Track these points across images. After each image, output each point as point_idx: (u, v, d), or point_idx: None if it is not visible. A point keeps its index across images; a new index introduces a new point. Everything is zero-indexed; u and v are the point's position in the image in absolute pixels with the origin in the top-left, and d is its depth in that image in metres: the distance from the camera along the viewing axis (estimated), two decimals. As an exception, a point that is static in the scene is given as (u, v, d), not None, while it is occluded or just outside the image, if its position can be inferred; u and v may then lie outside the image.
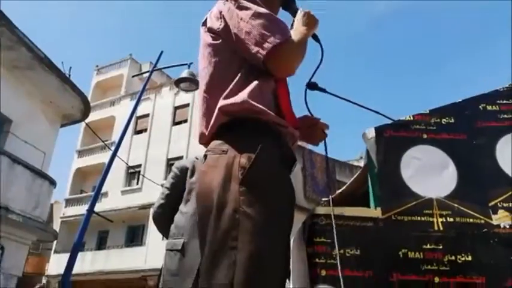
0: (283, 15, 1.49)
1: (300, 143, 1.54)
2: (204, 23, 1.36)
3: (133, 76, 11.96)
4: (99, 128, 20.09)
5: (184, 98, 19.44)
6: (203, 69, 1.31)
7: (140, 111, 19.51)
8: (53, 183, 9.48)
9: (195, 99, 18.88)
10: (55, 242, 15.89)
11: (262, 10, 1.24)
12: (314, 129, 1.47)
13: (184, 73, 8.10)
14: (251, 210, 1.07)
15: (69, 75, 10.53)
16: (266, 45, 1.17)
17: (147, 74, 9.75)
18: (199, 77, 1.36)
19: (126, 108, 19.50)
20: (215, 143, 1.22)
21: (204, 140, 1.29)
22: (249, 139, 1.16)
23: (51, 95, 9.61)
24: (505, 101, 1.54)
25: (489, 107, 1.53)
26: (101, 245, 19.85)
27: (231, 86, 1.22)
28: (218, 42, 1.28)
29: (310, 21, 1.32)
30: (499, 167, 1.44)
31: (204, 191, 1.17)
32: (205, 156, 1.23)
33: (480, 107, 1.53)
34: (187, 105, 19.98)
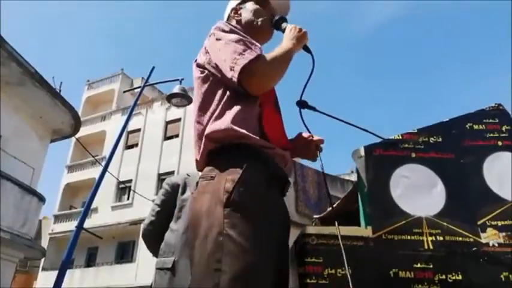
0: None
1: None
2: (196, 60, 1.45)
3: (124, 91, 11.96)
4: (90, 143, 19.95)
5: (176, 112, 19.45)
6: (195, 101, 1.39)
7: (131, 126, 19.47)
8: (41, 199, 9.34)
9: (187, 113, 18.89)
10: (43, 259, 15.56)
11: (234, 37, 1.32)
12: (309, 145, 1.52)
13: (176, 89, 8.11)
14: (234, 232, 1.11)
15: (60, 90, 10.49)
16: (236, 67, 1.25)
17: (138, 89, 9.74)
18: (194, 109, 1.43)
19: (117, 123, 19.44)
20: (206, 170, 1.29)
21: (200, 167, 1.36)
22: (234, 163, 1.22)
23: (41, 110, 9.55)
24: (491, 120, 1.57)
25: (476, 126, 1.55)
26: (90, 261, 19.50)
27: (216, 113, 1.29)
28: (204, 74, 1.37)
29: (297, 34, 1.37)
30: (487, 185, 1.46)
31: (194, 216, 1.22)
32: (197, 183, 1.30)
33: (467, 126, 1.56)
34: (178, 119, 19.97)
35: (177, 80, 8.43)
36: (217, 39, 1.36)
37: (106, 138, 21.52)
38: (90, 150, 13.75)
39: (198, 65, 1.41)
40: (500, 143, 1.53)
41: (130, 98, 20.38)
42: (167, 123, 20.64)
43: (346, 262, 1.27)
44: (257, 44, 1.35)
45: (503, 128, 1.55)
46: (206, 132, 1.28)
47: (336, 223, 1.34)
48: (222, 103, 1.30)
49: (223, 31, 1.37)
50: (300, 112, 1.54)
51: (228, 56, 1.28)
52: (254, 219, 1.14)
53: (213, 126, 1.27)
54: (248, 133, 1.24)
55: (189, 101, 8.18)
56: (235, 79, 1.25)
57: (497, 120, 1.57)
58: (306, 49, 1.43)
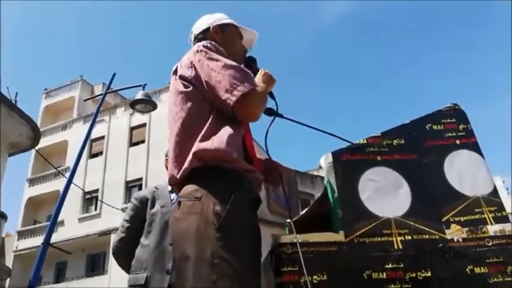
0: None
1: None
2: (175, 72, 1.46)
3: (85, 100, 11.61)
4: (51, 154, 19.24)
5: (140, 118, 19.03)
6: (176, 114, 1.38)
7: (94, 133, 18.84)
8: (3, 217, 8.88)
9: (152, 118, 18.54)
10: (8, 279, 14.84)
11: (231, 62, 1.36)
12: (274, 172, 1.56)
13: (139, 94, 7.95)
14: (228, 255, 1.14)
15: (16, 101, 10.03)
16: (235, 92, 1.28)
17: (100, 96, 9.47)
18: (171, 122, 1.42)
19: (79, 132, 18.84)
20: (188, 189, 1.28)
21: (174, 182, 1.36)
22: (222, 186, 1.24)
23: (-4, 124, 9.08)
24: (448, 120, 1.64)
25: (435, 127, 1.63)
26: (59, 277, 18.80)
27: (203, 131, 1.30)
28: (189, 89, 1.38)
29: (268, 79, 1.43)
30: (448, 182, 1.53)
31: (180, 237, 1.23)
32: (179, 202, 1.29)
33: (427, 127, 1.63)
34: (144, 125, 19.58)
35: (140, 85, 8.27)
36: (210, 59, 1.36)
37: (68, 148, 20.78)
38: (52, 162, 13.24)
39: (182, 77, 1.40)
40: (458, 142, 1.61)
41: (91, 105, 19.76)
42: (132, 129, 20.19)
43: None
44: (252, 75, 1.40)
45: (460, 127, 1.63)
46: (194, 149, 1.28)
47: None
48: (209, 122, 1.31)
49: (218, 52, 1.38)
50: (266, 146, 1.54)
51: (225, 78, 1.30)
52: (244, 241, 1.20)
53: (202, 145, 1.27)
54: (237, 156, 1.28)
55: (154, 106, 8.04)
56: (231, 102, 1.28)
57: (454, 120, 1.65)
58: (271, 95, 1.50)
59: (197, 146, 1.28)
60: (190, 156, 1.28)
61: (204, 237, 1.17)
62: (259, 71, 1.46)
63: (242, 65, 1.53)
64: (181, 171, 1.31)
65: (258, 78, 1.41)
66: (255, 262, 1.22)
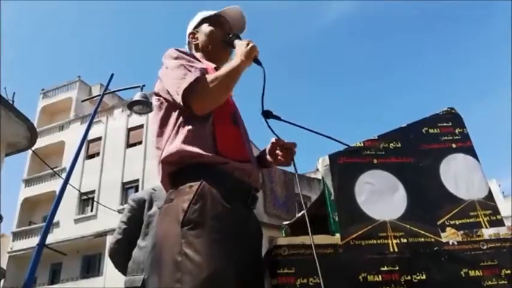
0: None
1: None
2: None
3: (83, 100, 11.58)
4: (48, 154, 19.15)
5: (138, 119, 18.99)
6: (155, 128, 1.43)
7: (92, 134, 18.77)
8: (-2, 217, 8.85)
9: (150, 120, 18.51)
10: (3, 280, 14.75)
11: (176, 63, 1.38)
12: (282, 151, 1.52)
13: (137, 96, 7.93)
14: (190, 251, 1.14)
15: (13, 101, 10.01)
16: (179, 91, 1.30)
17: (97, 97, 9.46)
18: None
19: (77, 132, 18.78)
20: (168, 193, 1.33)
21: (166, 189, 1.38)
22: (190, 183, 1.25)
23: (-7, 124, 9.04)
24: (444, 124, 1.66)
25: (431, 130, 1.64)
26: (54, 278, 18.69)
27: (170, 137, 1.33)
28: (160, 101, 1.43)
29: (244, 50, 1.37)
30: (444, 186, 1.54)
31: (158, 240, 1.28)
32: (161, 207, 1.35)
33: (423, 130, 1.64)
34: (141, 126, 19.53)
35: (138, 86, 8.26)
36: (166, 67, 1.42)
37: (65, 149, 20.70)
38: (48, 162, 13.16)
39: (155, 94, 1.46)
40: (454, 145, 1.62)
41: (89, 105, 19.73)
42: (129, 130, 20.13)
43: (319, 271, 1.29)
44: (198, 66, 1.37)
45: (457, 131, 1.65)
46: (162, 156, 1.31)
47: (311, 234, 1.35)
48: (175, 126, 1.34)
49: (171, 58, 1.42)
50: (267, 122, 1.54)
51: (174, 81, 1.34)
52: (211, 235, 1.16)
53: (167, 150, 1.31)
54: (200, 151, 1.27)
55: (151, 107, 8.02)
56: (180, 102, 1.31)
57: (450, 124, 1.66)
58: (257, 62, 1.42)
59: (164, 152, 1.32)
60: (160, 164, 1.33)
61: (171, 236, 1.18)
62: (236, 44, 1.42)
63: (227, 51, 1.54)
64: (161, 179, 1.36)
65: (235, 52, 1.40)
66: (229, 253, 1.16)
